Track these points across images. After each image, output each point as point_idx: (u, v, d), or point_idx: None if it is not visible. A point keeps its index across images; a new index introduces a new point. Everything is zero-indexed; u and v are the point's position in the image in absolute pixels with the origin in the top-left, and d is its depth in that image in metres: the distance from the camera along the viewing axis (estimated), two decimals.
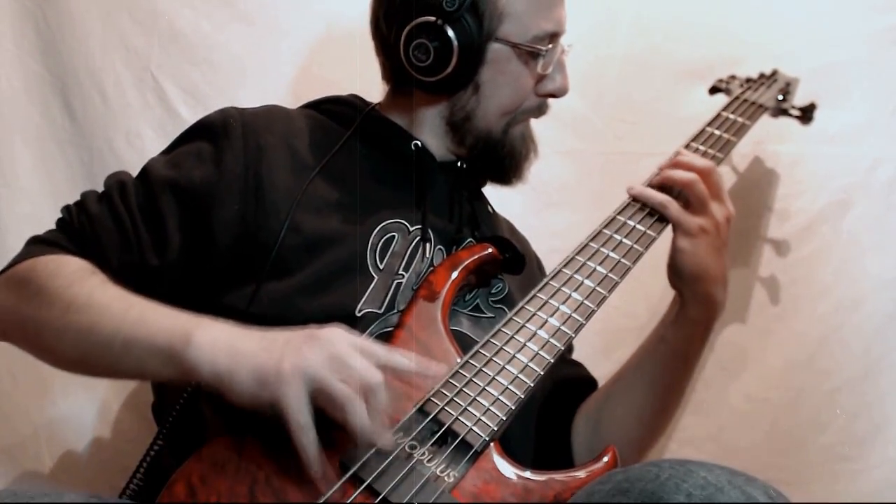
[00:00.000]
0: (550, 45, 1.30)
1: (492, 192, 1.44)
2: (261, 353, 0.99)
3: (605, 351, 1.56)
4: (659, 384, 1.35)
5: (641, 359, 1.37)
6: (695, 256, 1.28)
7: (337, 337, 1.00)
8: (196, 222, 1.21)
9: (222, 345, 1.00)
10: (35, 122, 1.68)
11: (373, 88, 1.42)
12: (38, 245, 1.22)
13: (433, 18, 1.24)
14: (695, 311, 1.31)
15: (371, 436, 0.99)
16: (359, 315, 1.18)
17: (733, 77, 1.65)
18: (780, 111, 1.61)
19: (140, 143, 1.69)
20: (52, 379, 1.59)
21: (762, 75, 1.66)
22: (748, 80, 1.64)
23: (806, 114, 1.60)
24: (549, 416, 1.37)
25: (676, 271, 1.30)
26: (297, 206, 1.21)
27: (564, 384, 1.41)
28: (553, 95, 1.35)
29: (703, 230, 1.28)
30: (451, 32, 1.24)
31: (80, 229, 1.22)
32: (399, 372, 1.04)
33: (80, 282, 1.13)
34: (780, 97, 1.60)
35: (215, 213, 1.21)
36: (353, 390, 0.97)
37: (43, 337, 1.15)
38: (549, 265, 1.49)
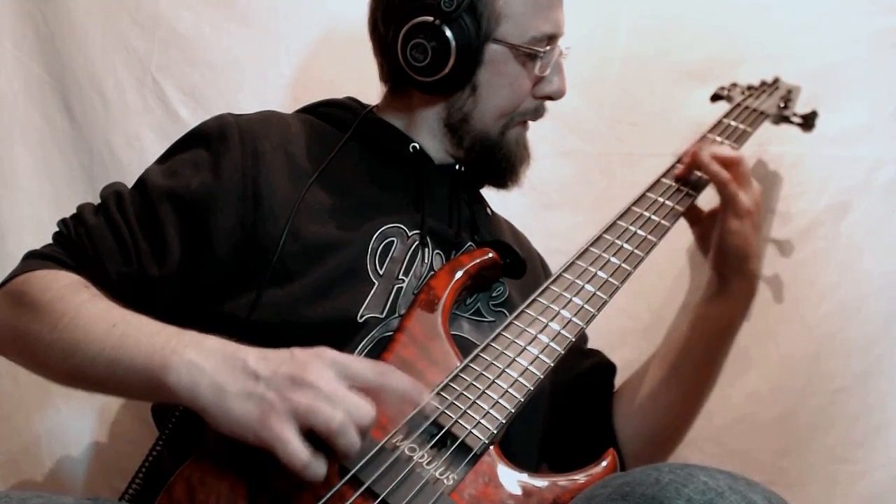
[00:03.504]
0: (548, 47, 1.31)
1: (492, 192, 1.44)
2: (245, 398, 0.96)
3: (607, 352, 1.55)
4: (701, 361, 1.40)
5: (687, 340, 1.40)
6: (743, 237, 1.33)
7: (322, 374, 0.98)
8: (195, 231, 1.21)
9: (204, 376, 0.98)
10: (35, 124, 1.68)
11: (372, 90, 1.41)
12: (35, 259, 1.22)
13: (431, 18, 1.24)
14: (740, 287, 1.37)
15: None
16: (360, 320, 1.18)
17: (735, 84, 1.65)
18: (782, 118, 1.61)
19: (140, 144, 1.68)
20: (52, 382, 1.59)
21: (764, 83, 1.66)
22: (750, 88, 1.64)
23: (807, 121, 1.60)
24: (582, 410, 1.40)
25: (725, 252, 1.35)
26: (295, 213, 1.21)
27: (589, 376, 1.44)
28: (550, 98, 1.36)
29: (749, 210, 1.33)
30: (448, 32, 1.24)
31: (77, 242, 1.22)
32: (389, 393, 1.02)
33: (70, 297, 1.12)
34: (782, 104, 1.60)
35: (214, 221, 1.21)
36: (342, 419, 0.95)
37: (35, 352, 1.14)
38: (550, 266, 1.50)
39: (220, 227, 1.20)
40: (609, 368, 1.47)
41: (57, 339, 1.09)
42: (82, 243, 1.22)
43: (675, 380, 1.39)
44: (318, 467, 0.95)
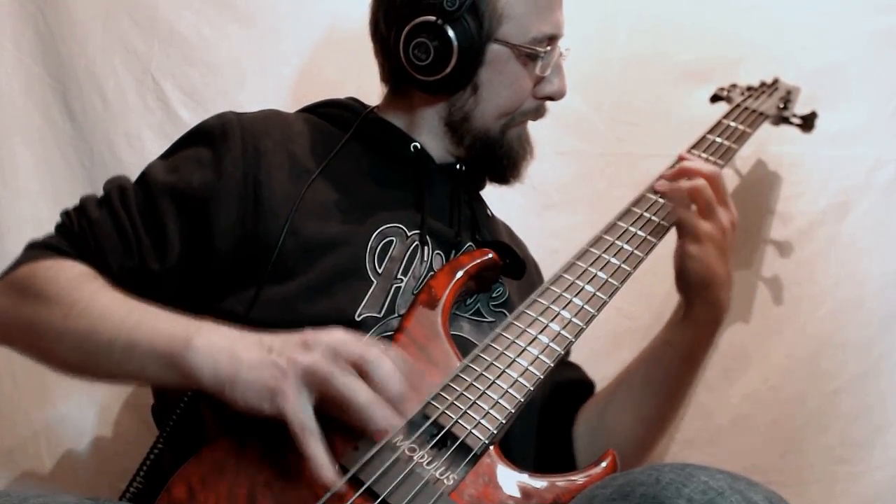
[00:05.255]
0: (549, 48, 1.31)
1: (492, 191, 1.44)
2: (260, 365, 0.98)
3: (606, 353, 1.56)
4: (663, 387, 1.36)
5: (645, 362, 1.38)
6: (703, 262, 1.29)
7: (330, 335, 1.00)
8: (195, 227, 1.21)
9: (223, 352, 1.00)
10: (35, 124, 1.68)
11: (373, 91, 1.42)
12: (38, 249, 1.22)
13: (433, 18, 1.25)
14: (702, 315, 1.32)
15: (379, 417, 0.98)
16: (358, 319, 1.18)
17: (734, 85, 1.65)
18: (781, 119, 1.61)
19: (140, 145, 1.68)
20: (52, 381, 1.59)
21: (763, 84, 1.66)
22: (749, 89, 1.64)
23: (807, 122, 1.60)
24: (549, 420, 1.37)
25: (685, 277, 1.31)
26: (295, 211, 1.22)
27: (564, 387, 1.41)
28: (551, 98, 1.36)
29: (710, 236, 1.29)
30: (451, 32, 1.24)
31: (80, 234, 1.23)
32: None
33: (81, 286, 1.13)
34: (781, 105, 1.60)
35: (215, 219, 1.21)
36: (351, 377, 0.96)
37: (43, 341, 1.15)
38: (549, 266, 1.49)
39: (221, 224, 1.21)
40: (583, 384, 1.46)
41: (70, 327, 1.10)
42: (84, 235, 1.22)
43: (629, 404, 1.36)
44: (316, 440, 0.95)
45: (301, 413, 0.95)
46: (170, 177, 1.24)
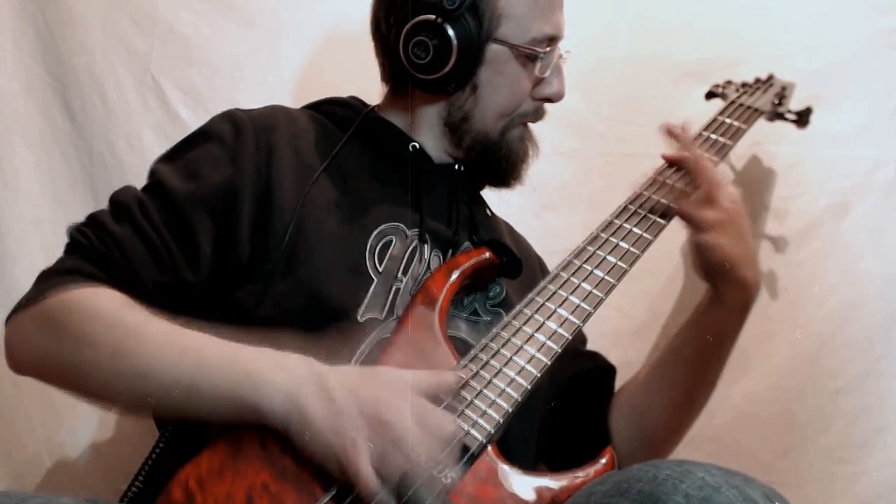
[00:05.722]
0: (548, 49, 1.31)
1: (492, 191, 1.44)
2: (329, 431, 0.99)
3: (605, 352, 1.55)
4: (697, 369, 1.37)
5: (678, 346, 1.39)
6: (718, 248, 1.29)
7: (401, 417, 1.01)
8: (223, 229, 1.19)
9: (295, 408, 1.00)
10: (35, 124, 1.67)
11: (373, 91, 1.42)
12: (61, 276, 1.16)
13: (433, 17, 1.25)
14: (732, 296, 1.32)
15: None
16: (361, 321, 1.18)
17: (729, 82, 1.65)
18: (777, 115, 1.61)
19: (140, 144, 1.68)
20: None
21: (758, 80, 1.66)
22: (744, 85, 1.64)
23: (802, 118, 1.60)
24: (583, 410, 1.39)
25: (705, 267, 1.32)
26: (301, 207, 1.22)
27: (591, 376, 1.43)
28: (549, 100, 1.36)
29: (718, 222, 1.30)
30: (450, 31, 1.25)
31: (105, 252, 1.17)
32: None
33: (124, 322, 1.10)
34: (776, 101, 1.60)
35: (238, 216, 1.20)
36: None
37: (90, 383, 1.11)
38: (549, 268, 1.50)
39: (243, 222, 1.20)
40: (608, 370, 1.47)
41: (119, 370, 1.07)
42: (111, 253, 1.17)
43: (667, 386, 1.37)
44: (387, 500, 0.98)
45: (368, 481, 0.98)
46: (190, 184, 1.21)
